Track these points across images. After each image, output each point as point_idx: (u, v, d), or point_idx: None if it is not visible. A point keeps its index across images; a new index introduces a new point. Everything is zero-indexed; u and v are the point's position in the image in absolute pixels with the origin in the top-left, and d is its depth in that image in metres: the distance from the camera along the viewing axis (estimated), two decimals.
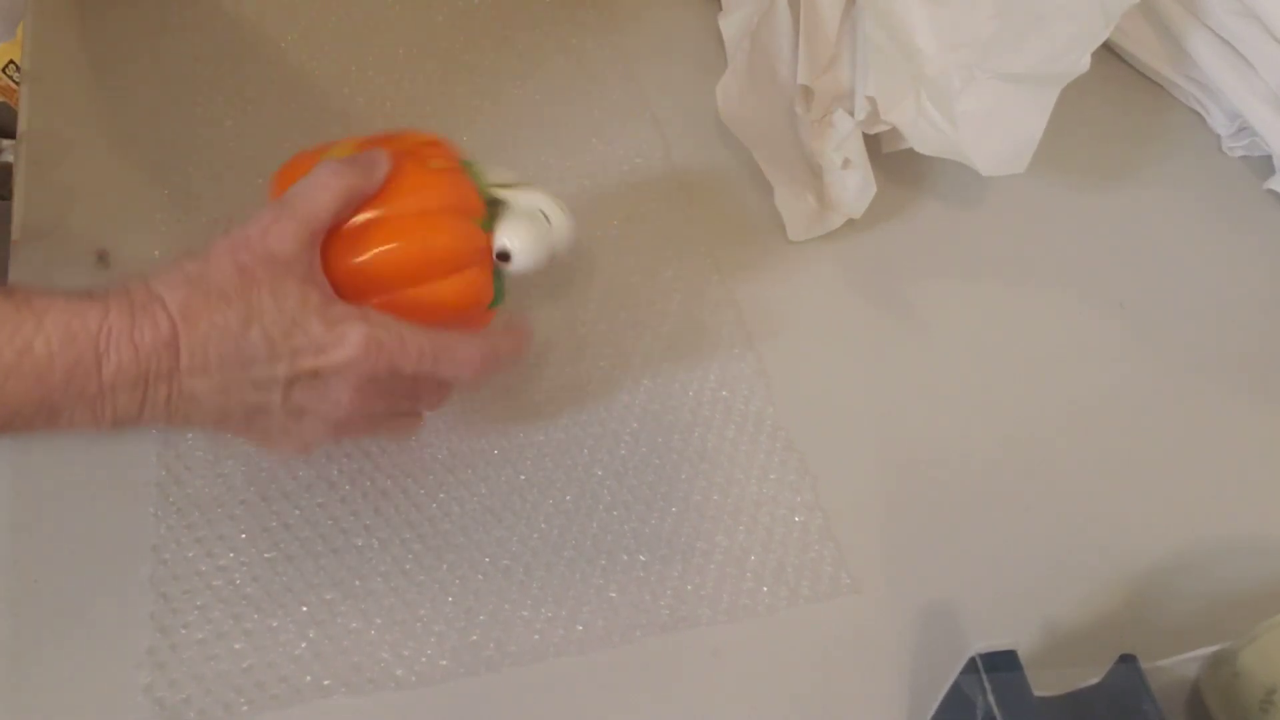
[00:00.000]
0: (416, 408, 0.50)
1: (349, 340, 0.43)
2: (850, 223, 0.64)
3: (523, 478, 0.54)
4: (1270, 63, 0.69)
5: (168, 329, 0.40)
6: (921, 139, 0.62)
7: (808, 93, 0.64)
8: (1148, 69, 0.76)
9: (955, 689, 0.43)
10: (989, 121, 0.60)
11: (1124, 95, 0.75)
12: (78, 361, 0.39)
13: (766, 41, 0.67)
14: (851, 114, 0.63)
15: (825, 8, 0.64)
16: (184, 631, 0.48)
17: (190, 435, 0.53)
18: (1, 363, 0.38)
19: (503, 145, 0.68)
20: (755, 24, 0.68)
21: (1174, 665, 0.46)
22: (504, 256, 0.49)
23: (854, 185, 0.63)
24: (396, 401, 0.47)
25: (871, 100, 0.62)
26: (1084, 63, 0.58)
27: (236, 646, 0.48)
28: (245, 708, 0.47)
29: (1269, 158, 0.72)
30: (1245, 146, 0.73)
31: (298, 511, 0.52)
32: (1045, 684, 0.42)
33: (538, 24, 0.76)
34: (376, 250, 0.45)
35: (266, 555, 0.51)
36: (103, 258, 0.59)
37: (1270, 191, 0.71)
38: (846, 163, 0.63)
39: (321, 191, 0.44)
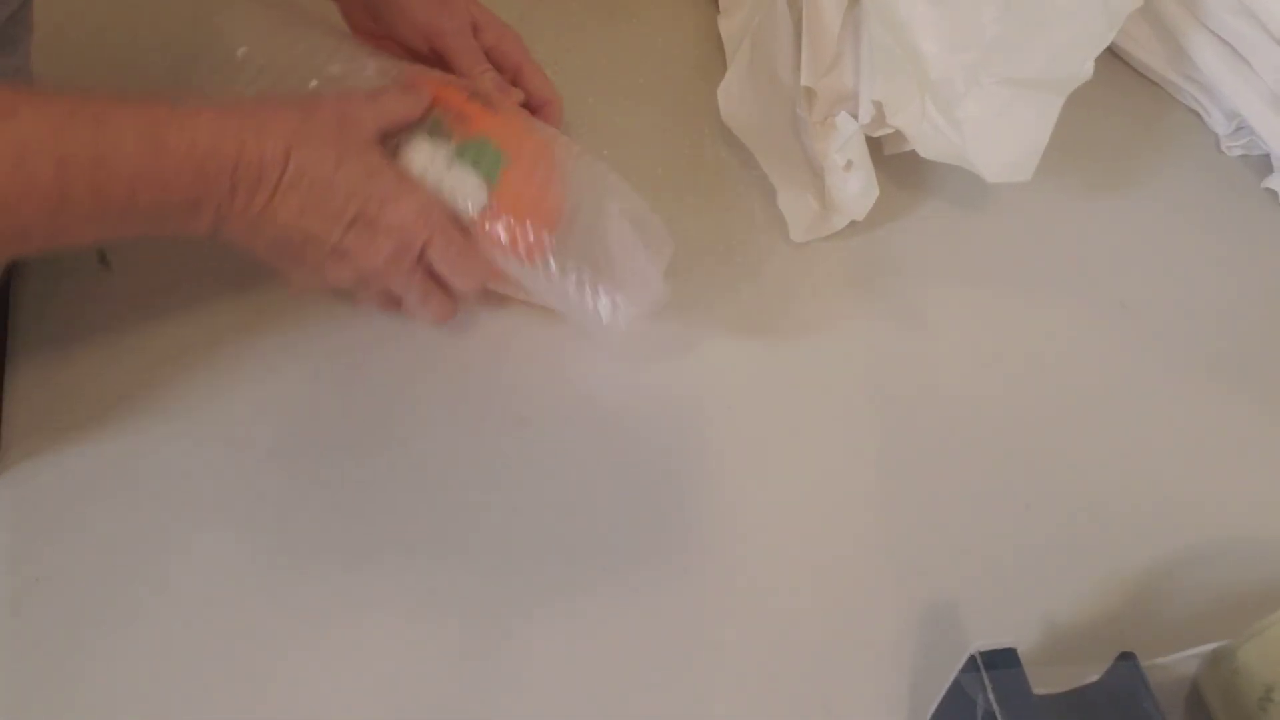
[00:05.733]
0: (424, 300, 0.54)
1: (412, 199, 0.50)
2: (854, 223, 0.64)
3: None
4: (1269, 62, 0.69)
5: (285, 147, 0.47)
6: (926, 144, 0.62)
7: (810, 94, 0.64)
8: (1146, 69, 0.76)
9: (955, 687, 0.43)
10: (994, 127, 0.60)
11: (1123, 95, 0.75)
12: (226, 156, 0.45)
13: (767, 43, 0.67)
14: (854, 116, 0.63)
15: (828, 9, 0.64)
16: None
17: None
18: (173, 152, 0.44)
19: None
20: (755, 26, 0.68)
21: (1173, 663, 0.46)
22: None
23: (856, 187, 0.63)
24: (414, 279, 0.53)
25: (877, 104, 0.62)
26: (1087, 68, 0.58)
27: None
28: None
29: (1268, 156, 0.72)
30: (1244, 145, 0.73)
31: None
32: (1045, 682, 0.42)
33: (536, 23, 0.76)
34: None
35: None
36: (103, 258, 0.60)
37: (1269, 190, 0.71)
38: (849, 165, 0.63)
39: (413, 107, 0.52)
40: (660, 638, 0.50)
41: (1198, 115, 0.75)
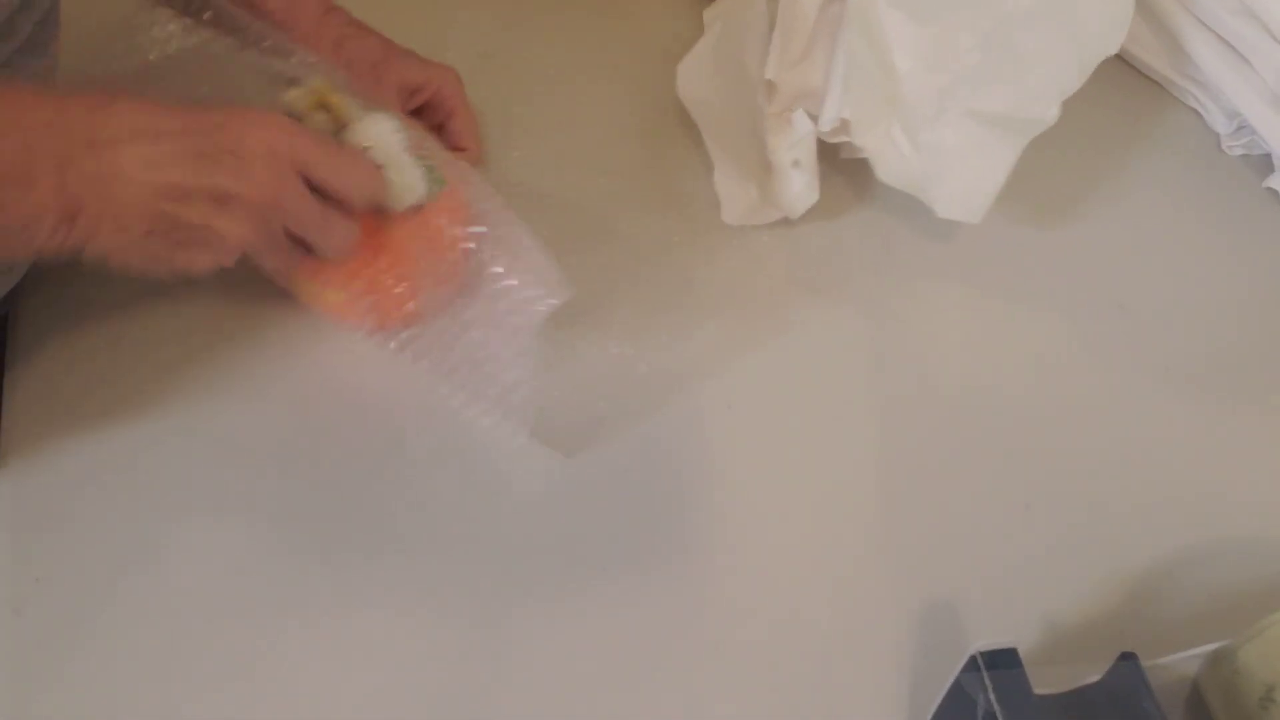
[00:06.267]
0: (322, 228, 0.49)
1: (268, 117, 0.46)
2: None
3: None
4: (1269, 61, 0.69)
5: (105, 98, 0.43)
6: (887, 167, 0.62)
7: (771, 87, 0.64)
8: (1147, 68, 0.76)
9: (956, 687, 0.43)
10: (953, 161, 0.60)
11: (1123, 94, 0.75)
12: (41, 113, 0.42)
13: (738, 28, 0.66)
14: (812, 115, 0.63)
15: (805, 2, 0.64)
16: None
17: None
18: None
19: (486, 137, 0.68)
20: (729, 10, 0.67)
21: (1174, 663, 0.46)
22: None
23: (798, 187, 0.63)
24: (306, 206, 0.48)
25: (845, 120, 0.62)
26: (1053, 113, 0.59)
27: None
28: None
29: (1268, 156, 0.72)
30: (1244, 145, 0.73)
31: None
32: (1046, 682, 0.42)
33: (530, 18, 0.75)
34: None
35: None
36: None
37: (1270, 189, 0.71)
38: (796, 163, 0.63)
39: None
40: (659, 638, 0.50)
41: (1198, 114, 0.75)
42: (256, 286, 0.59)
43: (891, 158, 0.62)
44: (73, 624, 0.48)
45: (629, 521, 0.54)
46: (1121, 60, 0.77)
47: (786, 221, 0.65)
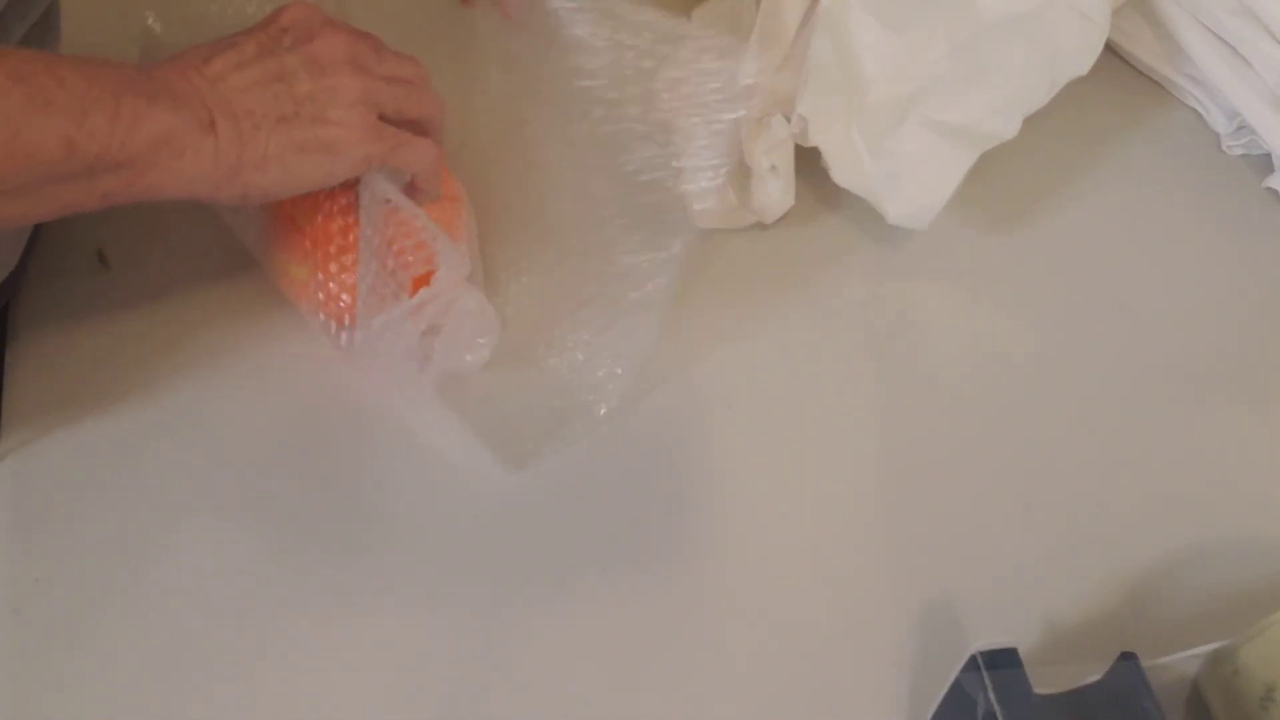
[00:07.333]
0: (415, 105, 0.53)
1: (323, 15, 0.50)
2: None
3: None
4: (1269, 61, 0.69)
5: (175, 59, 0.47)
6: (843, 170, 0.62)
7: (750, 91, 0.64)
8: (1146, 67, 0.76)
9: (956, 687, 0.43)
10: (908, 170, 0.60)
11: (1122, 94, 0.75)
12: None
13: (725, 31, 0.66)
14: (789, 121, 0.63)
15: (787, 9, 0.64)
16: None
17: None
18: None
19: (486, 136, 0.68)
20: (721, 13, 0.67)
21: (1174, 663, 0.46)
22: None
23: (774, 193, 0.63)
24: (390, 83, 0.51)
25: (802, 118, 0.62)
26: (1012, 128, 0.59)
27: None
28: None
29: (1268, 156, 0.72)
30: (1244, 145, 0.73)
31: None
32: (1046, 681, 0.42)
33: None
34: None
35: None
36: (103, 258, 0.60)
37: (1270, 189, 0.71)
38: (773, 168, 0.63)
39: None
40: (659, 638, 0.50)
41: (1198, 114, 0.75)
42: (257, 285, 0.59)
43: (848, 161, 0.62)
44: (73, 624, 0.48)
45: (628, 521, 0.54)
46: (1121, 60, 0.77)
47: (761, 226, 0.64)
